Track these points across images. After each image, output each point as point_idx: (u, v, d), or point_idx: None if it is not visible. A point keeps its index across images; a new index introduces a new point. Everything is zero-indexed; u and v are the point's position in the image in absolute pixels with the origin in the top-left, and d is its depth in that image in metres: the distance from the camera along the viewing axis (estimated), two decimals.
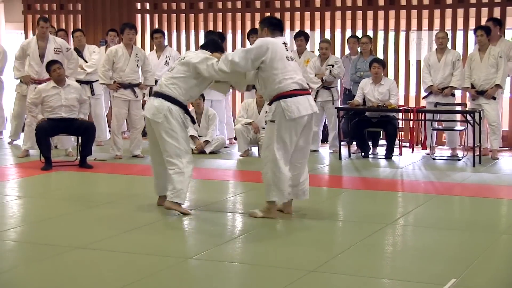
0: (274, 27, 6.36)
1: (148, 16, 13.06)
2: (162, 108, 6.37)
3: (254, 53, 6.16)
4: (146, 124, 6.71)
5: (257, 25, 11.86)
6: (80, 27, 12.75)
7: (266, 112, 9.71)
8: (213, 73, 6.34)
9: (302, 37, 10.79)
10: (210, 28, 12.38)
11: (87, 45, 11.27)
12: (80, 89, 9.37)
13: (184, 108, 6.48)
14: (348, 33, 11.73)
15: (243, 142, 10.14)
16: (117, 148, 9.86)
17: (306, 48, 10.91)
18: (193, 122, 6.76)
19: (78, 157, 9.19)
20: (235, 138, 11.14)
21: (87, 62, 11.00)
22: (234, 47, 12.41)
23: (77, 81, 10.20)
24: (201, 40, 11.67)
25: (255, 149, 10.37)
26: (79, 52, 11.05)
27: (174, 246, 5.49)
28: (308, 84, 10.34)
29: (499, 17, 10.70)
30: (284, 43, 6.31)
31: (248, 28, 11.94)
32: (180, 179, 6.38)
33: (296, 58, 10.73)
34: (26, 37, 13.31)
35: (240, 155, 10.09)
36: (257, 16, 12.29)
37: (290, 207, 6.47)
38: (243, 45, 11.93)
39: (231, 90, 7.03)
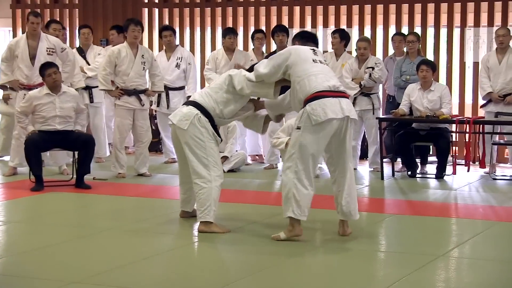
0: (306, 39, 6.88)
1: (156, 10, 13.14)
2: (190, 115, 6.74)
3: (276, 58, 6.63)
4: (171, 132, 7.03)
5: (284, 21, 12.07)
6: (78, 24, 12.85)
7: None
8: (244, 84, 6.76)
9: (336, 34, 10.74)
10: (229, 24, 12.42)
11: (93, 46, 11.35)
12: (77, 96, 9.41)
13: (213, 124, 6.83)
14: (392, 30, 11.72)
15: (271, 153, 10.44)
16: (119, 166, 9.90)
17: (345, 49, 10.84)
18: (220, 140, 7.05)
19: (74, 176, 9.23)
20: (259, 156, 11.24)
21: (89, 64, 11.08)
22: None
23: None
24: (219, 39, 11.70)
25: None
26: (82, 51, 11.14)
27: (186, 280, 5.47)
28: (344, 90, 10.42)
29: None
30: (313, 49, 6.67)
31: (274, 24, 11.95)
32: (206, 194, 6.71)
33: (333, 61, 10.71)
34: (14, 35, 13.45)
35: (264, 168, 10.41)
36: (284, 10, 12.32)
37: (345, 227, 6.70)
38: (268, 43, 11.94)
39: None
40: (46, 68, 9.16)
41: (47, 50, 10.00)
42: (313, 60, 6.52)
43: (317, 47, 6.89)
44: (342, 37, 10.69)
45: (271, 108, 7.12)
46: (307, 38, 6.92)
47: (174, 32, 11.44)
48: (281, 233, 6.51)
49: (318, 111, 6.26)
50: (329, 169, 6.72)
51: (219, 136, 6.91)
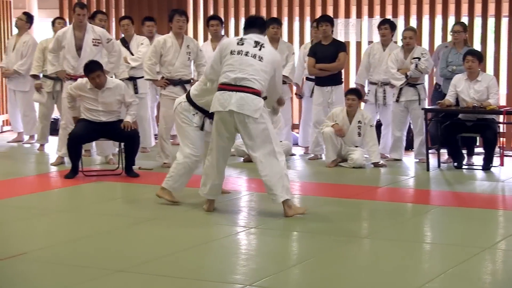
0: (247, 27, 7.17)
1: (201, 0, 13.16)
2: (178, 101, 7.59)
3: (214, 58, 7.15)
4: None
5: (329, 11, 12.00)
6: (123, 14, 12.91)
7: (359, 121, 9.74)
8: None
9: (387, 25, 10.66)
10: (274, 14, 12.40)
11: (136, 36, 11.38)
12: (122, 88, 9.29)
13: (203, 111, 7.42)
14: (438, 20, 11.62)
15: (331, 150, 10.05)
16: (165, 155, 9.93)
17: (391, 39, 10.78)
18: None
19: (120, 166, 9.31)
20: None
21: (133, 55, 11.12)
22: (302, 37, 12.41)
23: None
24: None
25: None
26: (125, 42, 11.17)
27: (229, 270, 5.50)
28: (390, 81, 10.37)
29: None
30: (240, 39, 7.00)
31: (318, 14, 11.90)
32: (174, 166, 7.53)
33: (380, 52, 10.67)
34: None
35: (327, 166, 10.04)
36: (329, 1, 12.25)
37: (285, 208, 7.01)
38: (301, 34, 11.85)
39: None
40: (90, 72, 9.07)
41: (93, 41, 10.05)
42: (231, 52, 6.90)
43: (264, 31, 7.24)
44: (392, 27, 10.67)
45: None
46: (248, 25, 7.15)
47: (222, 21, 11.41)
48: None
49: (213, 101, 6.93)
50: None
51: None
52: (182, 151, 7.46)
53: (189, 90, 7.60)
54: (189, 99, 7.45)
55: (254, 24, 7.16)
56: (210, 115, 7.33)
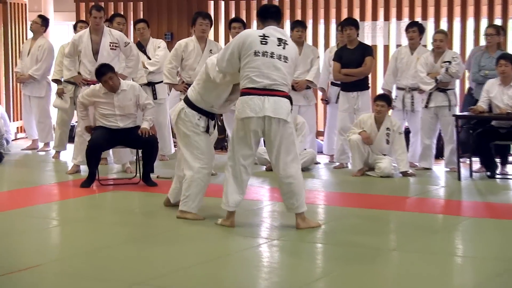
0: (264, 16, 6.99)
1: (222, 3, 13.15)
2: (178, 109, 7.26)
3: (230, 51, 6.83)
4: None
5: (355, 14, 11.93)
6: (142, 17, 12.91)
7: (387, 128, 9.65)
8: (214, 73, 7.01)
9: (415, 27, 10.60)
10: (298, 17, 12.37)
11: (152, 39, 11.34)
12: (137, 89, 9.25)
13: (206, 114, 7.25)
14: (470, 22, 11.54)
15: (358, 158, 9.98)
16: None
17: (420, 43, 10.69)
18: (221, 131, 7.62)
19: (137, 174, 9.27)
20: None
21: (150, 59, 11.08)
22: (327, 40, 12.35)
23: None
24: (288, 31, 11.63)
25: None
26: (141, 46, 11.13)
27: (251, 284, 5.47)
28: (419, 85, 10.26)
29: None
30: (262, 35, 6.77)
31: (344, 16, 11.84)
32: (187, 185, 7.24)
33: (408, 56, 10.58)
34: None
35: (353, 175, 9.96)
36: (356, 2, 12.22)
37: (298, 220, 6.94)
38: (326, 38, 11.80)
39: None
40: (101, 75, 9.02)
41: (110, 45, 10.05)
42: (255, 53, 6.71)
43: (279, 22, 7.01)
44: (420, 30, 10.61)
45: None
46: (264, 14, 6.97)
47: (244, 24, 11.31)
48: (219, 220, 7.05)
49: (239, 107, 6.77)
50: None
51: (217, 126, 7.52)
52: (191, 166, 7.18)
53: (186, 95, 7.35)
54: (189, 103, 7.23)
55: (269, 13, 6.97)
56: (212, 117, 7.31)
